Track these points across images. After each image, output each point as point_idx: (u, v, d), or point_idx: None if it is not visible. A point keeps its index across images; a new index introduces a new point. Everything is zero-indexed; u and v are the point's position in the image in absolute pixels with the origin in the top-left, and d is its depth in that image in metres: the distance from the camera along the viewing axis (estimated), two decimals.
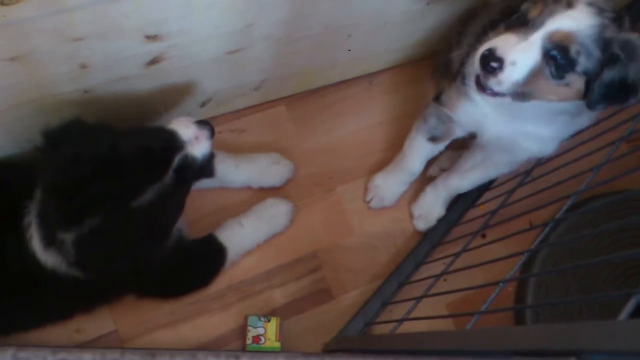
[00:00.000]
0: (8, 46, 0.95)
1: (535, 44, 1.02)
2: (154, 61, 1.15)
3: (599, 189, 1.48)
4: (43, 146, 1.07)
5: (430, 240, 1.58)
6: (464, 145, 1.52)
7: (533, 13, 1.04)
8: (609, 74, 1.01)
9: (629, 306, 0.76)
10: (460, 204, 1.61)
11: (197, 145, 1.15)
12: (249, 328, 1.44)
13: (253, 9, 1.11)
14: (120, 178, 1.04)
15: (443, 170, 1.62)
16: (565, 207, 1.16)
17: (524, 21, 1.05)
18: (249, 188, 1.54)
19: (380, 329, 1.47)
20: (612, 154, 1.14)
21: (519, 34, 1.04)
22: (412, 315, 1.38)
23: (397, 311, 1.48)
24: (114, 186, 1.03)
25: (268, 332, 1.44)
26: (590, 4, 1.02)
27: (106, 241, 1.05)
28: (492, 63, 1.03)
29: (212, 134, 1.18)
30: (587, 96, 1.04)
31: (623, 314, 0.76)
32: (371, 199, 1.61)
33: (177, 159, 1.11)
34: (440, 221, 1.60)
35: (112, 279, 1.21)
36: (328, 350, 1.44)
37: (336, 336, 1.47)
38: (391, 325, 1.38)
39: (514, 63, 1.03)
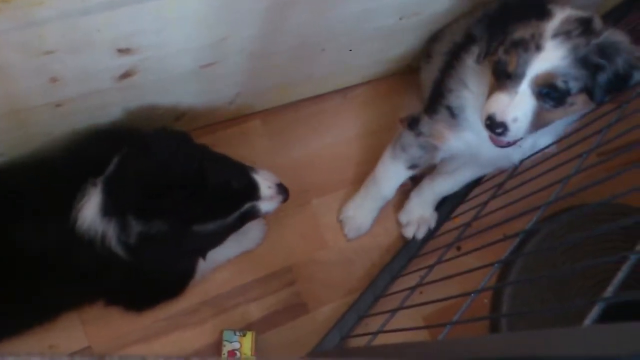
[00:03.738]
0: None
1: (525, 93, 1.10)
2: (126, 75, 1.15)
3: (572, 201, 1.50)
4: (133, 148, 1.18)
5: (406, 254, 1.59)
6: None
7: (511, 67, 1.10)
8: (602, 78, 1.08)
9: (593, 313, 0.77)
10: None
11: (268, 203, 1.26)
12: (225, 343, 1.43)
13: (226, 23, 1.12)
14: (197, 200, 1.14)
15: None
16: (534, 219, 1.18)
17: (507, 75, 1.11)
18: None
19: (356, 342, 1.47)
20: (580, 166, 1.16)
21: (507, 89, 1.11)
22: (388, 327, 1.38)
23: (373, 324, 1.48)
24: (190, 204, 1.13)
25: (244, 346, 1.43)
26: (556, 34, 1.08)
27: (162, 248, 1.16)
28: (496, 130, 1.12)
29: (285, 201, 1.30)
30: (593, 98, 1.11)
31: (587, 321, 0.77)
32: (348, 231, 1.61)
33: (247, 206, 1.23)
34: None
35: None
36: None
37: (312, 350, 1.46)
38: (367, 338, 1.38)
39: (515, 120, 1.11)
